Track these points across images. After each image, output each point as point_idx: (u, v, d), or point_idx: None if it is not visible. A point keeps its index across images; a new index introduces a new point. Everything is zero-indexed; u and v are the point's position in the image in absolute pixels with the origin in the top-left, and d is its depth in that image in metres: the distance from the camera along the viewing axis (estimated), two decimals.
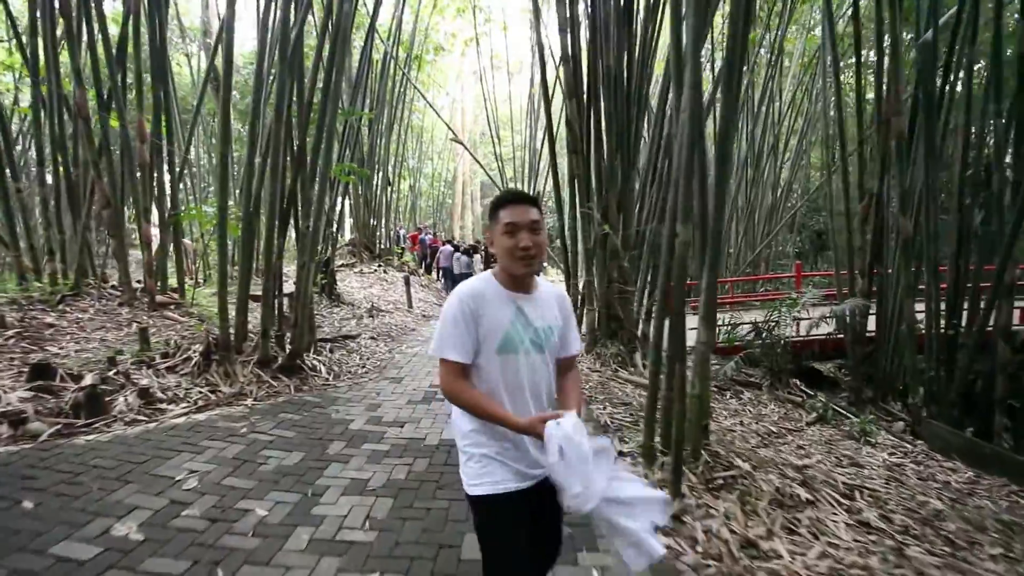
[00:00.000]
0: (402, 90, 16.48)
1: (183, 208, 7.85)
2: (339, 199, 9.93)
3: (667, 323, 3.34)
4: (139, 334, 4.87)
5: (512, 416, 1.37)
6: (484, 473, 1.42)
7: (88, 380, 3.86)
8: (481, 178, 37.50)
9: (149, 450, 3.28)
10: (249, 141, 4.92)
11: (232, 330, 4.97)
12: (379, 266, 14.98)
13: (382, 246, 16.42)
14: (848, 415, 6.00)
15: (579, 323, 7.48)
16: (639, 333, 7.13)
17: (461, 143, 14.38)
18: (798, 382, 7.61)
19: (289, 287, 5.92)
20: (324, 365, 5.51)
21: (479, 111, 34.37)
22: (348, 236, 17.39)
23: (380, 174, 15.91)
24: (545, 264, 12.56)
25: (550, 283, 1.62)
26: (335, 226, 9.78)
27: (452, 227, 31.26)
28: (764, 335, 7.53)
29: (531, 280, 1.48)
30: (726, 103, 3.57)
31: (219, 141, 4.75)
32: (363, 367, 5.99)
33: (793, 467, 3.66)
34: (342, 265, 14.00)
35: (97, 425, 3.57)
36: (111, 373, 4.17)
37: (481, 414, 1.40)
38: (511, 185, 21.31)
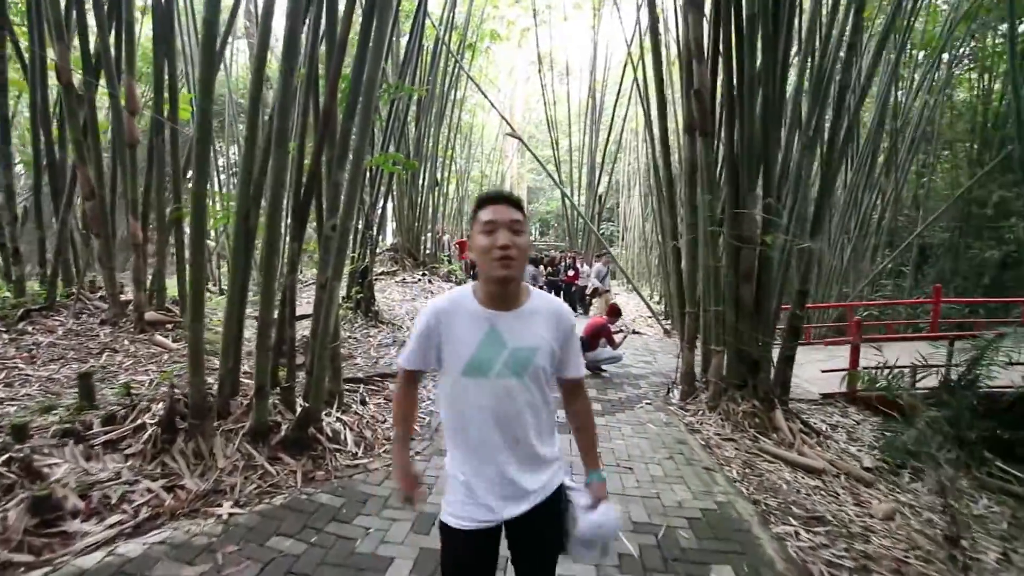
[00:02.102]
0: (453, 79, 14.95)
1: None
2: (381, 198, 8.29)
3: None
4: (79, 385, 3.24)
5: (401, 450, 1.49)
6: (451, 501, 1.40)
7: None
8: (528, 183, 35.95)
9: None
10: (252, 87, 3.25)
11: (215, 383, 3.30)
12: (423, 275, 13.36)
13: (427, 252, 14.84)
14: None
15: (701, 368, 5.61)
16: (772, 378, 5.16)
17: (519, 138, 12.70)
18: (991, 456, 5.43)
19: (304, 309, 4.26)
20: (351, 428, 3.77)
21: (528, 112, 32.87)
22: (390, 240, 15.93)
23: (427, 173, 14.39)
24: (608, 287, 10.90)
25: (547, 296, 1.46)
26: (375, 228, 8.13)
27: None
28: (958, 382, 5.37)
29: (515, 293, 1.36)
30: None
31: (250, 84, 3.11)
32: None
33: None
34: (382, 273, 12.45)
35: None
36: (6, 456, 2.55)
37: (395, 421, 1.56)
38: (569, 179, 19.53)
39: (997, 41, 13.45)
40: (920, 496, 4.24)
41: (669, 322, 12.43)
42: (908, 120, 11.80)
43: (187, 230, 4.56)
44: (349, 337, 6.78)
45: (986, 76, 14.41)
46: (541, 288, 12.40)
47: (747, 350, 5.14)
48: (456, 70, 14.94)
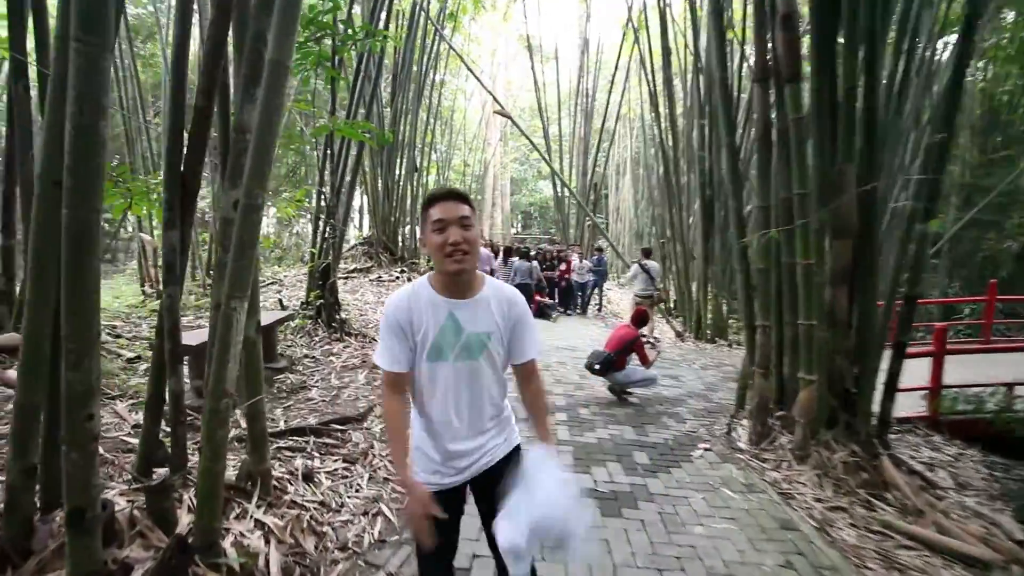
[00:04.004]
0: (432, 58, 13.36)
1: None
2: (348, 177, 6.69)
3: None
4: None
5: (403, 468, 1.44)
6: (418, 469, 1.49)
7: None
8: (512, 173, 34.39)
9: None
10: None
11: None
12: (402, 271, 11.80)
13: (405, 247, 13.25)
14: None
15: (774, 398, 4.16)
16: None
17: (507, 115, 11.19)
18: None
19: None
20: (281, 539, 2.27)
21: (511, 98, 31.19)
22: (364, 233, 14.30)
23: (404, 159, 12.80)
24: (657, 301, 9.46)
25: (500, 284, 1.54)
26: (340, 216, 6.53)
27: (481, 225, 28.05)
28: None
29: (469, 282, 1.44)
30: None
31: None
32: (375, 537, 2.68)
33: None
34: (354, 271, 10.85)
35: None
36: None
37: (389, 436, 1.54)
38: (559, 166, 18.07)
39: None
40: None
41: (681, 320, 11.12)
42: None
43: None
44: (304, 357, 5.23)
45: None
46: (539, 285, 10.14)
47: (841, 375, 3.80)
48: (435, 46, 13.35)
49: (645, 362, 5.24)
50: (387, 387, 1.47)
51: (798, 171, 3.53)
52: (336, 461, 3.18)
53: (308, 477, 2.78)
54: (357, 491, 2.92)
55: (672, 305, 11.85)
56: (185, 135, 2.16)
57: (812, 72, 3.62)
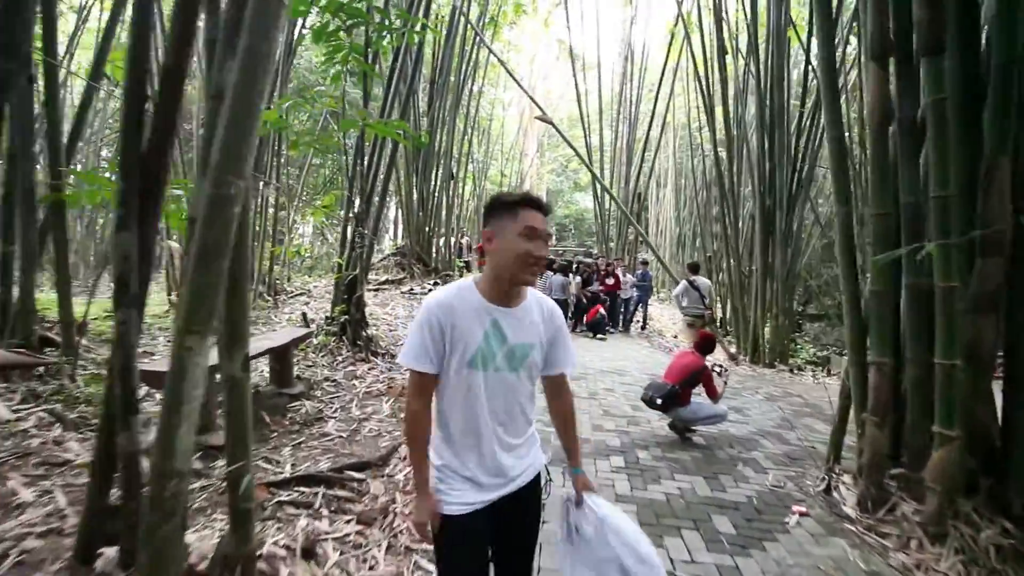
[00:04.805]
0: (470, 67, 12.97)
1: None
2: (380, 184, 6.17)
3: None
4: None
5: (420, 472, 1.38)
6: (441, 490, 1.38)
7: None
8: (548, 184, 33.85)
9: None
10: None
11: None
12: (436, 283, 11.29)
13: (441, 258, 12.76)
14: None
15: (906, 457, 3.30)
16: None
17: (549, 121, 10.55)
18: None
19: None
20: None
21: (550, 108, 30.69)
22: (398, 243, 13.91)
23: (440, 167, 12.37)
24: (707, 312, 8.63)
25: (540, 294, 1.49)
26: (370, 225, 6.01)
27: None
28: None
29: (520, 292, 1.39)
30: None
31: None
32: None
33: None
34: (385, 282, 10.39)
35: None
36: None
37: (410, 446, 1.43)
38: (601, 173, 17.32)
39: None
40: None
41: (733, 341, 10.22)
42: None
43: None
44: (325, 380, 4.69)
45: None
46: (579, 301, 9.29)
47: (985, 428, 2.98)
48: (474, 54, 12.96)
49: (713, 396, 4.48)
50: (416, 389, 1.38)
51: (939, 168, 2.76)
52: (349, 523, 2.57)
53: (309, 553, 2.17)
54: (372, 568, 2.30)
55: (720, 325, 10.94)
56: (149, 105, 1.61)
57: (950, 44, 2.86)
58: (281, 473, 2.90)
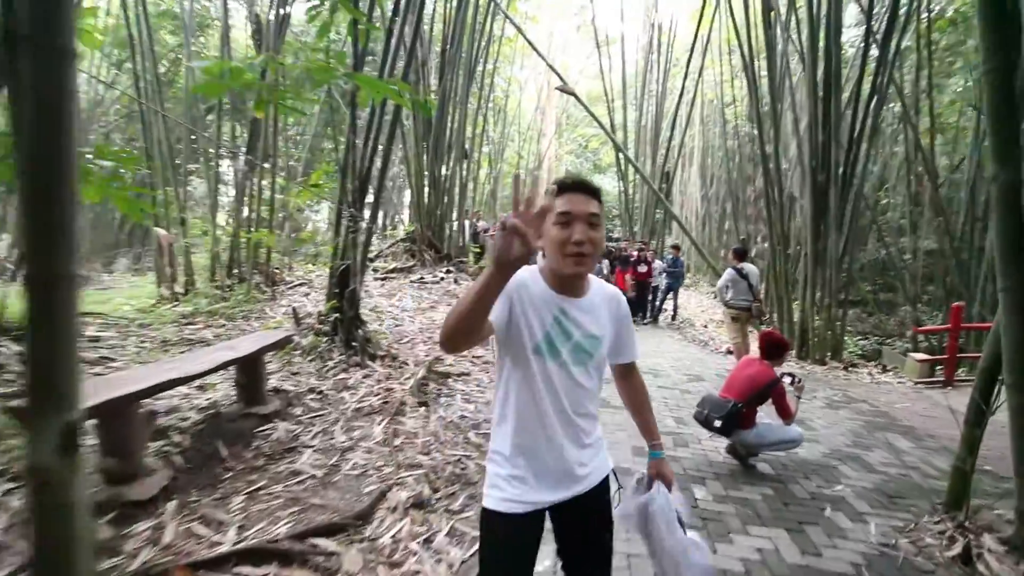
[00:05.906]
0: (486, 41, 12.00)
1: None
2: (380, 156, 5.28)
3: None
4: None
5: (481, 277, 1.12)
6: (499, 485, 1.30)
7: None
8: (567, 166, 32.68)
9: None
10: None
11: None
12: (448, 271, 10.46)
13: (454, 243, 11.92)
14: None
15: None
16: None
17: (572, 92, 9.59)
18: None
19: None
20: None
21: (570, 83, 29.43)
22: (408, 228, 13.09)
23: (453, 145, 11.47)
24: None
25: (602, 282, 1.41)
26: (368, 203, 5.13)
27: None
28: None
29: (582, 282, 1.32)
30: None
31: None
32: None
33: None
34: (393, 270, 9.59)
35: None
36: None
37: (464, 303, 1.08)
38: (630, 153, 16.24)
39: None
40: None
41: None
42: None
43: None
44: (310, 392, 3.90)
45: None
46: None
47: None
48: (488, 24, 11.95)
49: (786, 416, 3.58)
50: None
51: None
52: None
53: None
54: None
55: (763, 315, 9.95)
56: None
57: None
58: (220, 544, 2.11)
